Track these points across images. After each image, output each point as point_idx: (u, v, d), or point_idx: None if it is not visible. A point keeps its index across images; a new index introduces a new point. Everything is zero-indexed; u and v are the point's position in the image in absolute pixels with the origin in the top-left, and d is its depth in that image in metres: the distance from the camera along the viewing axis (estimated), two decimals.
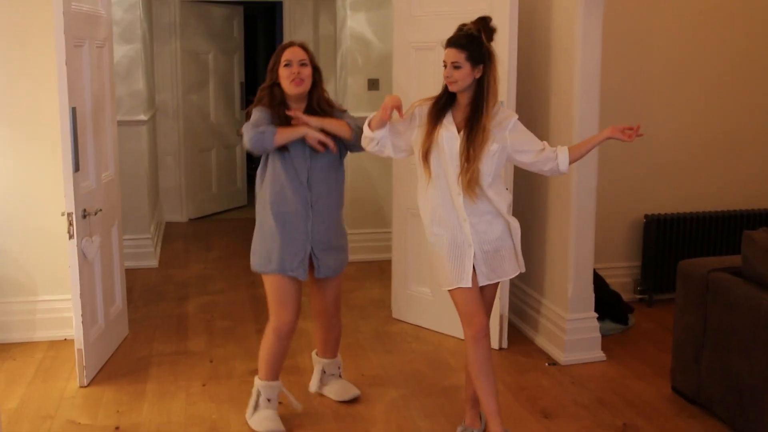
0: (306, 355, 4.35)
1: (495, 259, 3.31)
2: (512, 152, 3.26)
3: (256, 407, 3.67)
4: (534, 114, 4.53)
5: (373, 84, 6.26)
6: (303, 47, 3.59)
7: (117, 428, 3.63)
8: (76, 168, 3.91)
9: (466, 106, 3.24)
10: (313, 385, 3.97)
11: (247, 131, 3.44)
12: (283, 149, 3.47)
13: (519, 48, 4.33)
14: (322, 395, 3.94)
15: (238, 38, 8.51)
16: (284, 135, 3.42)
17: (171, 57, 7.71)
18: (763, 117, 5.47)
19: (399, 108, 3.28)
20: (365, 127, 3.37)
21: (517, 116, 3.31)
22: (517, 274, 3.42)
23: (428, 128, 3.27)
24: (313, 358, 4.00)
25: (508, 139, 3.23)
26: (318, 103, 3.61)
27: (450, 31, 3.23)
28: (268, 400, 3.66)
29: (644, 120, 5.19)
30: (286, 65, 3.52)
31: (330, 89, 7.46)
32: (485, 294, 3.37)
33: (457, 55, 3.15)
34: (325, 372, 3.95)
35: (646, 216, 5.26)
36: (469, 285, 3.28)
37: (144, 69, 6.31)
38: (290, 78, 3.51)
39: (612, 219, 5.23)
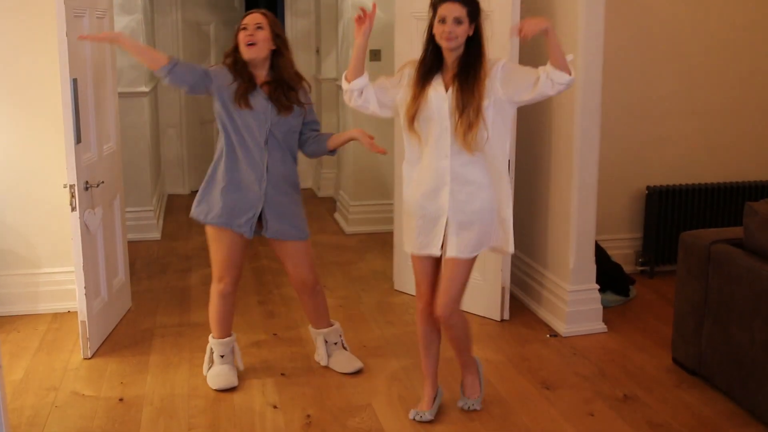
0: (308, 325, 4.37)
1: (470, 232, 3.20)
2: (508, 100, 3.13)
3: (210, 364, 3.82)
4: None
5: (374, 55, 6.21)
6: (263, 13, 3.58)
7: (121, 399, 3.66)
8: (78, 140, 3.91)
9: (453, 64, 3.13)
10: (321, 359, 3.97)
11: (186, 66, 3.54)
12: (244, 105, 3.51)
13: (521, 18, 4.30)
14: (324, 367, 3.96)
15: (240, 9, 8.45)
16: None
17: (172, 28, 7.66)
18: (766, 89, 5.44)
19: (362, 20, 3.12)
20: (342, 81, 3.26)
21: (503, 60, 3.17)
22: (495, 247, 3.29)
23: (415, 91, 3.16)
24: (311, 332, 4.02)
25: (500, 90, 3.10)
26: (281, 71, 3.59)
27: None
28: (222, 357, 3.80)
29: (646, 92, 5.20)
30: (242, 29, 3.54)
31: (331, 61, 7.47)
32: (448, 267, 3.23)
33: (461, 10, 3.05)
34: (327, 342, 3.96)
35: (647, 188, 5.25)
36: (434, 254, 3.24)
37: (145, 40, 6.27)
38: (245, 41, 3.51)
39: (614, 191, 5.23)
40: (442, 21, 3.07)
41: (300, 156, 3.77)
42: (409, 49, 4.73)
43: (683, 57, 5.25)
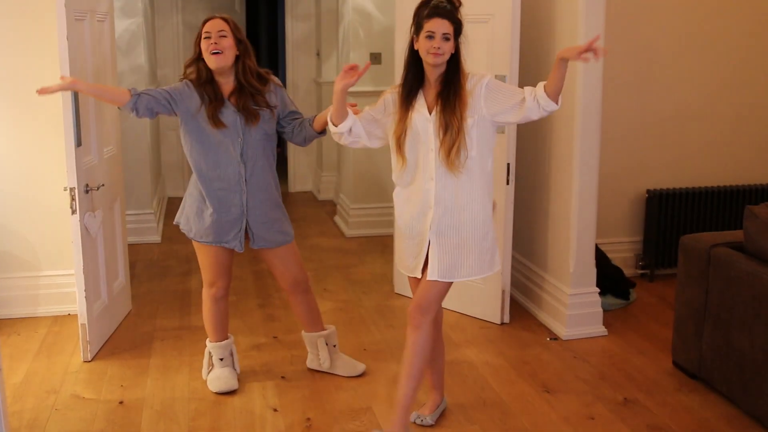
0: None
1: (451, 256, 3.13)
2: (491, 119, 3.08)
3: (210, 367, 3.82)
4: None
5: (375, 58, 6.23)
6: (224, 19, 3.50)
7: (121, 402, 3.65)
8: (78, 143, 3.91)
9: (436, 82, 3.09)
10: (324, 362, 3.91)
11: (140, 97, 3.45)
12: (219, 124, 3.46)
13: (521, 24, 4.30)
14: (318, 371, 3.95)
15: (240, 12, 8.46)
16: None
17: (173, 31, 7.67)
18: (766, 92, 5.44)
19: (351, 72, 3.05)
20: (329, 124, 3.18)
21: (488, 78, 3.09)
22: (480, 275, 3.22)
23: (399, 114, 3.11)
24: (305, 337, 3.95)
25: (484, 108, 3.05)
26: (244, 77, 3.50)
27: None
28: (221, 360, 3.80)
29: (647, 95, 5.21)
30: (205, 38, 3.45)
31: (332, 64, 7.48)
32: (424, 285, 3.19)
33: (449, 27, 3.01)
34: (327, 344, 3.93)
35: (648, 191, 5.25)
36: (418, 276, 3.22)
37: (145, 43, 6.28)
38: (209, 50, 3.43)
39: (614, 194, 5.23)
40: (430, 36, 3.01)
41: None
42: None
43: (683, 61, 5.25)
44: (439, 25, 3.00)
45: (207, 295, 3.77)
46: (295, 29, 7.76)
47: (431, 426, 3.44)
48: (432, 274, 3.15)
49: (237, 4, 8.39)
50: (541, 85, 3.00)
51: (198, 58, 3.51)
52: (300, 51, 7.75)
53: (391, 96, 3.19)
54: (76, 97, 3.86)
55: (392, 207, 3.37)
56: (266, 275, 5.41)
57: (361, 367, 3.93)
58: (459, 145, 3.03)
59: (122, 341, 4.34)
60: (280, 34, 7.99)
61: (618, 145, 5.16)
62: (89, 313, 4.05)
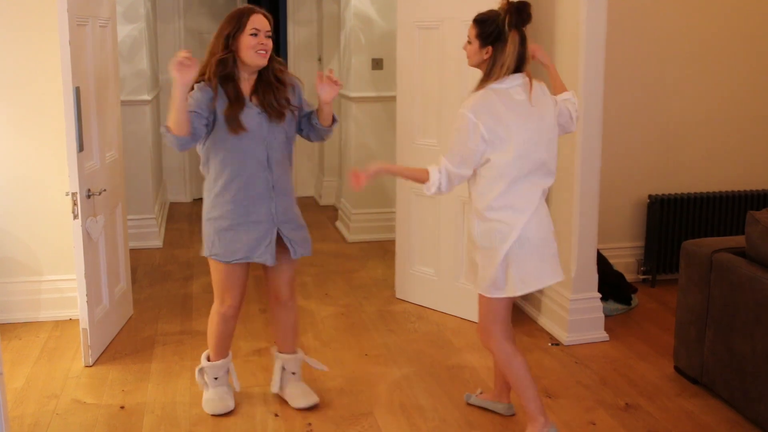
0: (304, 337, 4.37)
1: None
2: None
3: (205, 387, 3.65)
4: None
5: (377, 63, 6.24)
6: (268, 18, 3.31)
7: (122, 407, 3.65)
8: (80, 148, 3.91)
9: None
10: (274, 386, 3.71)
11: (168, 135, 3.17)
12: (239, 128, 3.23)
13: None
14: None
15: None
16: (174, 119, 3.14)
17: (174, 36, 7.68)
18: None
19: (358, 180, 3.08)
20: (426, 191, 3.12)
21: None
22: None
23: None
24: (273, 354, 3.74)
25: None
26: (273, 74, 3.34)
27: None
28: (215, 379, 3.61)
29: (649, 100, 5.21)
30: (252, 34, 3.22)
31: (333, 69, 7.45)
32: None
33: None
34: (285, 369, 3.68)
35: (649, 196, 5.24)
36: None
37: (147, 48, 6.30)
38: (256, 48, 3.23)
39: (616, 199, 5.23)
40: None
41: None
42: (411, 58, 4.75)
43: (685, 66, 5.25)
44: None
45: (217, 312, 3.53)
46: (297, 34, 7.77)
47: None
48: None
49: None
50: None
51: (228, 58, 3.24)
52: (301, 56, 7.76)
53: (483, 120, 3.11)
54: (78, 102, 3.86)
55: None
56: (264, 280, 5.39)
57: (312, 399, 3.62)
58: None
59: (123, 346, 4.33)
60: (281, 39, 8.00)
61: (620, 150, 5.16)
62: (90, 317, 4.05)
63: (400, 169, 3.13)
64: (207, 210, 3.42)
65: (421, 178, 3.11)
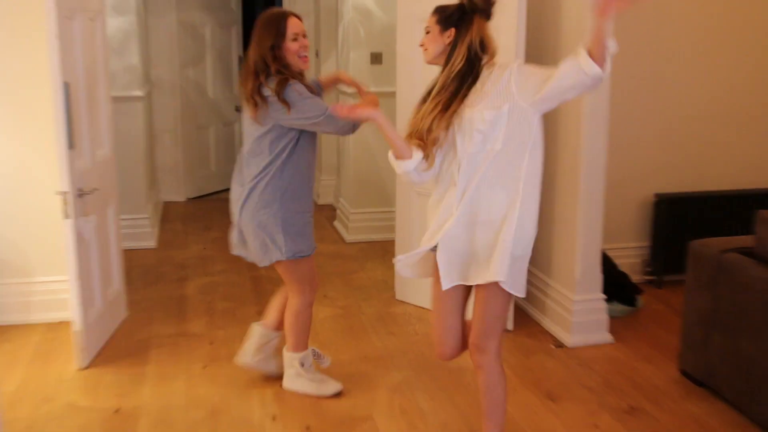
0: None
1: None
2: (535, 106, 2.74)
3: (299, 376, 3.72)
4: None
5: (376, 58, 6.16)
6: (300, 17, 3.43)
7: (117, 410, 3.60)
8: (71, 145, 3.83)
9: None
10: (252, 356, 3.79)
11: (330, 119, 3.32)
12: (314, 134, 3.46)
13: (527, 22, 4.25)
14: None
15: (236, 10, 8.38)
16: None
17: (167, 30, 7.56)
18: None
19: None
20: (394, 164, 2.94)
21: (513, 66, 2.79)
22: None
23: None
24: (259, 332, 3.78)
25: (516, 96, 2.74)
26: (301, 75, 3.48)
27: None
28: (302, 365, 3.71)
29: (655, 98, 5.15)
30: (294, 39, 3.34)
31: (331, 64, 7.40)
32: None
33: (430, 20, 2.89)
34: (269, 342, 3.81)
35: (656, 195, 5.18)
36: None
37: (139, 43, 6.19)
38: (300, 53, 3.36)
39: (621, 198, 5.15)
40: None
41: None
42: (411, 51, 4.67)
43: (692, 63, 5.19)
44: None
45: (305, 304, 3.62)
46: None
47: None
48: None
49: (233, 2, 8.32)
50: (583, 54, 2.62)
51: (276, 60, 3.32)
52: None
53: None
54: (67, 97, 3.77)
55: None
56: (264, 281, 5.34)
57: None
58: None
59: (118, 348, 4.27)
60: None
61: (625, 148, 5.09)
62: (84, 319, 3.99)
63: (390, 132, 2.87)
64: (279, 209, 3.41)
65: (402, 154, 2.88)
